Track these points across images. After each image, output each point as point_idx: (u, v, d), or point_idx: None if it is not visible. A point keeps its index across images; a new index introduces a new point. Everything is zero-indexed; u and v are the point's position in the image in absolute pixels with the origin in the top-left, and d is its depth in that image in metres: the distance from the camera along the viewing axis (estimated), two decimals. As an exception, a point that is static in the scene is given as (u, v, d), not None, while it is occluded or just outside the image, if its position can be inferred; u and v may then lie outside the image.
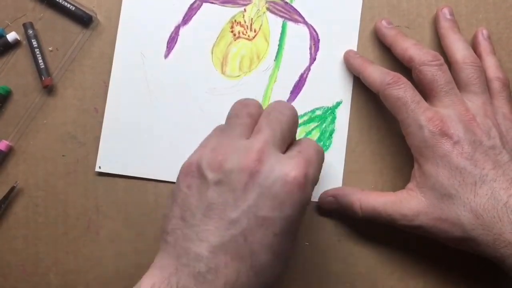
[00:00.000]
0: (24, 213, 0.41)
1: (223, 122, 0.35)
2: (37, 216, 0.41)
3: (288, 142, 0.33)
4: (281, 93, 0.42)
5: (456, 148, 0.35)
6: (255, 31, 0.42)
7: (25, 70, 0.42)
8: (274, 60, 0.42)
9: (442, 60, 0.37)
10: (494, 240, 0.33)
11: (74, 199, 0.41)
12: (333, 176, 0.41)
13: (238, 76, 0.42)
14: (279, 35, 0.42)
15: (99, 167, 0.41)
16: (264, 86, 0.42)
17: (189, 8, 0.42)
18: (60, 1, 0.42)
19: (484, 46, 0.40)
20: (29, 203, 0.41)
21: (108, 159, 0.41)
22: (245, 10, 0.42)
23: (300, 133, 0.42)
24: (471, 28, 0.42)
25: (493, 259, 0.34)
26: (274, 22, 0.42)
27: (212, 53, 0.42)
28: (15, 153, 0.42)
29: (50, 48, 0.42)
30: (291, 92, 0.42)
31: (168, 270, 0.28)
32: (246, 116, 0.33)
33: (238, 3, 0.42)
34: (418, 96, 0.36)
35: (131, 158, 0.41)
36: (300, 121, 0.41)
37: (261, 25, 0.42)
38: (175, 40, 0.42)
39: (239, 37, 0.42)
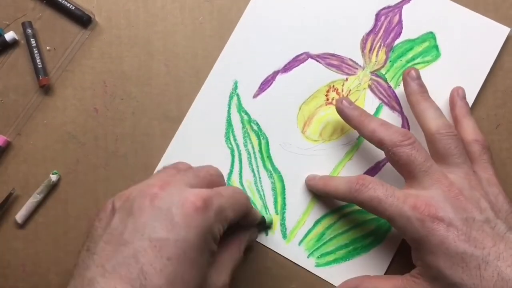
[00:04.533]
0: (24, 213, 0.41)
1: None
2: (36, 216, 0.41)
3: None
4: (351, 173, 0.40)
5: (451, 232, 0.32)
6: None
7: (23, 69, 0.42)
8: (357, 139, 0.41)
9: (413, 138, 0.35)
10: None
11: (74, 199, 0.41)
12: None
13: (316, 140, 0.41)
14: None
15: None
16: (338, 160, 0.41)
17: (293, 58, 0.42)
18: (60, 0, 0.42)
19: (460, 107, 0.39)
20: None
21: None
22: (346, 79, 0.41)
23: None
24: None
25: None
26: (371, 101, 0.41)
27: (299, 109, 0.41)
28: (15, 153, 0.42)
29: (48, 48, 0.42)
30: None
31: None
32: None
33: (342, 71, 0.41)
34: (390, 188, 0.34)
35: None
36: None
37: (357, 100, 0.41)
38: (269, 84, 0.42)
39: (331, 103, 0.41)
